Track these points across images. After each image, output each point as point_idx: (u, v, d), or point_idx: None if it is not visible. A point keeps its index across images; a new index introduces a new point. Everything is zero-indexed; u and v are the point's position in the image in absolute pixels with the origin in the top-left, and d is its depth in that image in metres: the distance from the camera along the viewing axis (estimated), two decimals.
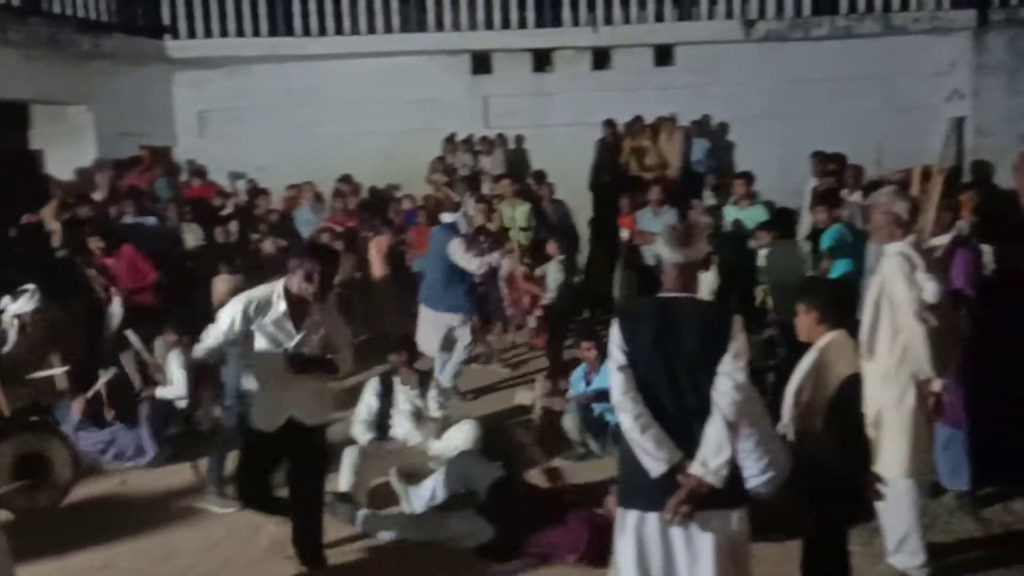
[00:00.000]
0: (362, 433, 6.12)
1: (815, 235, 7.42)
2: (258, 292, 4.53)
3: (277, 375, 4.49)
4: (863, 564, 4.57)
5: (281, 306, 4.46)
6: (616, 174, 11.86)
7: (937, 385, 4.28)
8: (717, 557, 3.23)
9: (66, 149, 12.28)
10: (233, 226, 10.26)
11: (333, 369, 4.63)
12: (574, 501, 5.26)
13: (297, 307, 4.47)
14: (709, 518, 3.24)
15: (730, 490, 3.24)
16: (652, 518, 3.28)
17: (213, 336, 4.53)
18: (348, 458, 5.62)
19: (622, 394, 3.28)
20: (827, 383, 3.65)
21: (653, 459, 3.22)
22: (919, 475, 4.38)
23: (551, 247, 8.52)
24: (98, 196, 10.97)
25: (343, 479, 5.57)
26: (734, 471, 3.26)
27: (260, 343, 4.48)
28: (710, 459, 3.19)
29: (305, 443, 4.69)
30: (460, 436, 5.94)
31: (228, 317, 4.46)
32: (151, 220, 9.91)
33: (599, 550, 4.59)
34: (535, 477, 5.95)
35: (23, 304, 6.26)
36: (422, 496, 5.46)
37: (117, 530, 5.35)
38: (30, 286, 6.41)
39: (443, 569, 4.81)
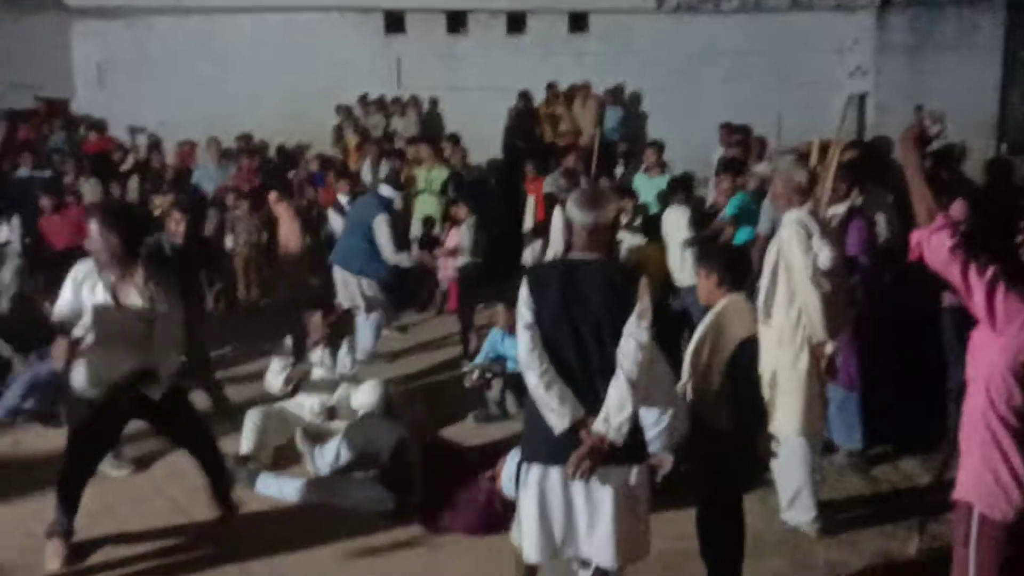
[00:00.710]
0: (277, 381, 5.98)
1: None
2: (83, 265, 4.34)
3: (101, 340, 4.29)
4: (757, 520, 4.73)
5: (100, 285, 4.28)
6: (530, 141, 11.87)
7: (830, 347, 4.44)
8: (616, 510, 3.30)
9: None
10: (133, 182, 9.93)
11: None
12: (477, 462, 5.29)
13: (115, 280, 4.30)
14: (609, 473, 3.30)
15: (630, 446, 3.30)
16: (554, 472, 3.33)
17: (58, 304, 4.34)
18: (251, 420, 5.54)
19: (528, 352, 3.31)
20: (724, 345, 3.74)
21: (556, 415, 3.26)
22: (811, 434, 4.54)
23: (460, 210, 8.49)
24: None
25: (245, 441, 5.49)
26: (635, 428, 3.32)
27: (87, 315, 4.29)
28: (612, 416, 3.24)
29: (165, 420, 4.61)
30: (365, 397, 5.91)
31: (63, 287, 4.31)
32: (46, 174, 9.51)
33: (492, 522, 4.68)
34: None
35: None
36: (326, 458, 5.42)
37: (7, 492, 5.18)
38: None
39: (344, 528, 4.78)
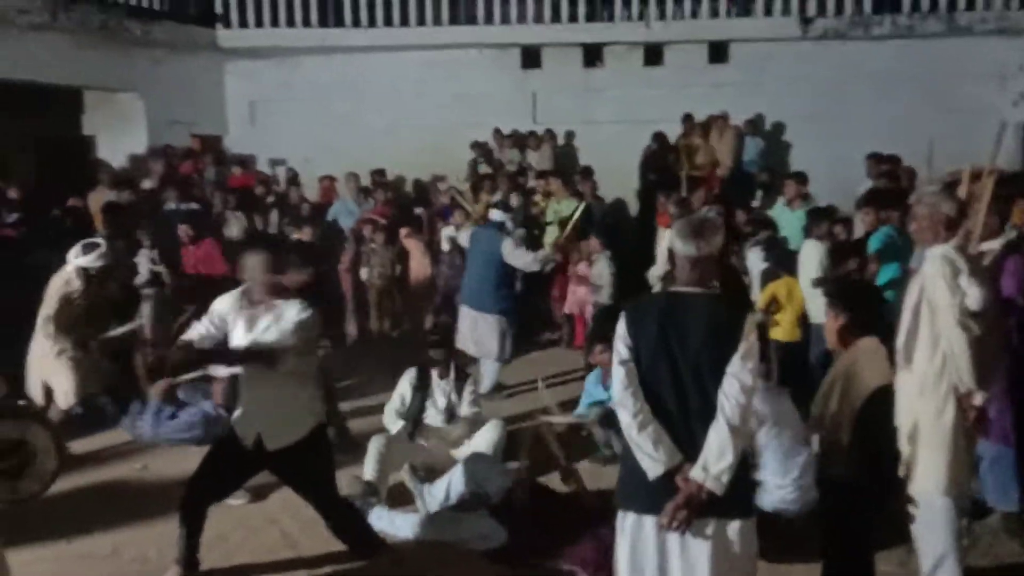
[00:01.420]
0: (393, 423, 6.04)
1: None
2: (236, 293, 4.39)
3: (249, 383, 4.40)
4: None
5: (238, 305, 4.33)
6: (663, 173, 11.57)
7: (979, 399, 3.97)
8: (713, 568, 3.06)
9: (118, 136, 12.49)
10: (273, 216, 10.26)
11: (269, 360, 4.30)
12: (594, 506, 5.06)
13: (253, 307, 4.32)
14: (707, 525, 3.07)
15: (733, 498, 3.05)
16: (648, 521, 3.13)
17: (196, 332, 4.38)
18: (374, 446, 5.53)
19: (623, 390, 3.14)
20: (856, 394, 3.40)
21: (651, 459, 3.07)
22: (957, 494, 4.08)
23: (594, 243, 8.29)
24: (149, 184, 11.08)
25: (368, 468, 5.48)
26: (739, 479, 3.07)
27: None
28: (711, 464, 3.01)
29: (284, 465, 4.54)
30: (485, 437, 5.81)
31: (212, 310, 4.36)
32: (193, 207, 9.93)
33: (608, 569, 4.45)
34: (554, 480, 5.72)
35: (92, 259, 6.22)
36: (436, 495, 5.31)
37: (127, 516, 5.30)
38: (99, 240, 6.38)
39: (453, 569, 4.64)
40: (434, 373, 6.11)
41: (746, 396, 3.03)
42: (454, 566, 4.66)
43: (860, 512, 3.41)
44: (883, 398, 3.37)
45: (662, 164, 11.86)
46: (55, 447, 3.84)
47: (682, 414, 3.09)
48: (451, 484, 5.27)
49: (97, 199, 9.81)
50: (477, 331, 7.45)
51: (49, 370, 6.23)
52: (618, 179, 12.16)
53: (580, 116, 13.20)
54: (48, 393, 6.17)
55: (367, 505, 5.19)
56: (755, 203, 10.33)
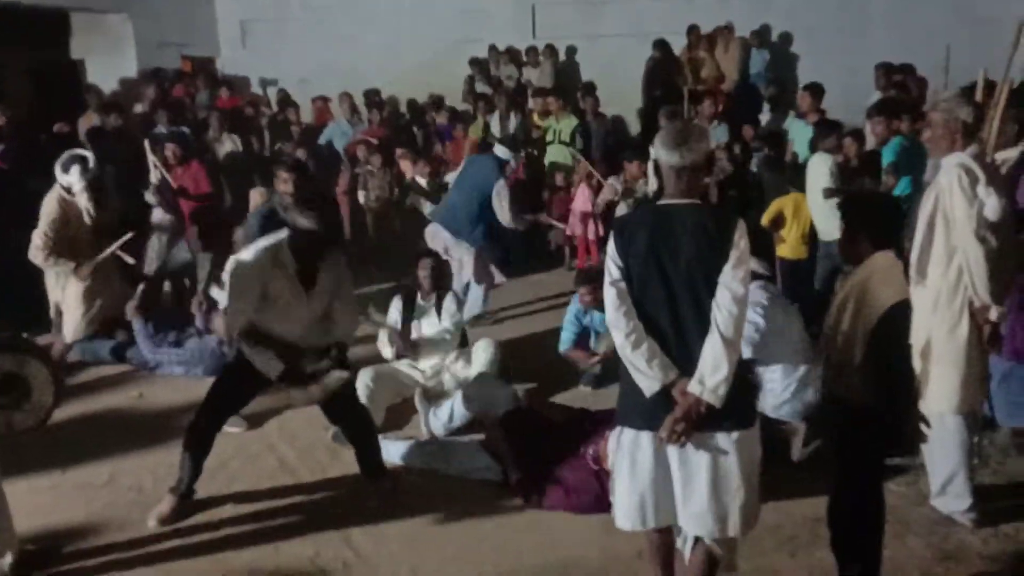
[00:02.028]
0: (386, 351, 5.92)
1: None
2: (266, 243, 4.19)
3: (277, 335, 4.24)
4: (904, 505, 4.24)
5: (291, 266, 4.17)
6: (668, 89, 11.24)
7: (994, 314, 3.82)
8: (713, 479, 3.01)
9: (106, 59, 12.13)
10: (266, 137, 10.03)
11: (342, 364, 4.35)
12: (578, 433, 4.97)
13: (305, 264, 4.19)
14: (706, 439, 3.01)
15: (731, 410, 2.97)
16: (646, 437, 3.07)
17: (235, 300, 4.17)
18: (362, 380, 5.37)
19: (615, 310, 3.04)
20: (870, 310, 3.22)
21: (646, 377, 2.99)
22: (968, 412, 3.97)
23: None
24: (141, 108, 10.82)
25: None
26: (737, 390, 2.98)
27: (267, 297, 4.19)
28: (707, 377, 2.94)
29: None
30: (478, 357, 5.70)
31: (241, 280, 4.14)
32: (183, 131, 9.68)
33: (603, 503, 4.35)
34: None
35: (76, 175, 5.85)
36: (440, 418, 5.24)
37: (123, 445, 5.22)
38: (83, 153, 6.05)
39: (448, 497, 4.57)
40: (419, 295, 5.98)
41: (738, 306, 2.94)
42: (453, 496, 4.57)
43: (873, 436, 3.28)
44: (899, 315, 3.19)
45: (666, 79, 11.51)
46: (52, 382, 3.72)
47: (676, 329, 3.01)
48: (455, 407, 5.19)
49: (87, 125, 9.59)
50: (450, 254, 7.24)
51: (59, 298, 6.09)
52: (621, 96, 11.83)
53: (582, 30, 12.80)
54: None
55: None
56: (762, 117, 10.02)
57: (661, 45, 11.70)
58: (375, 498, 4.54)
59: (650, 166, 7.09)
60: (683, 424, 2.95)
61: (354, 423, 4.67)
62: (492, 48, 12.43)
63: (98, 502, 4.59)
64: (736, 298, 2.94)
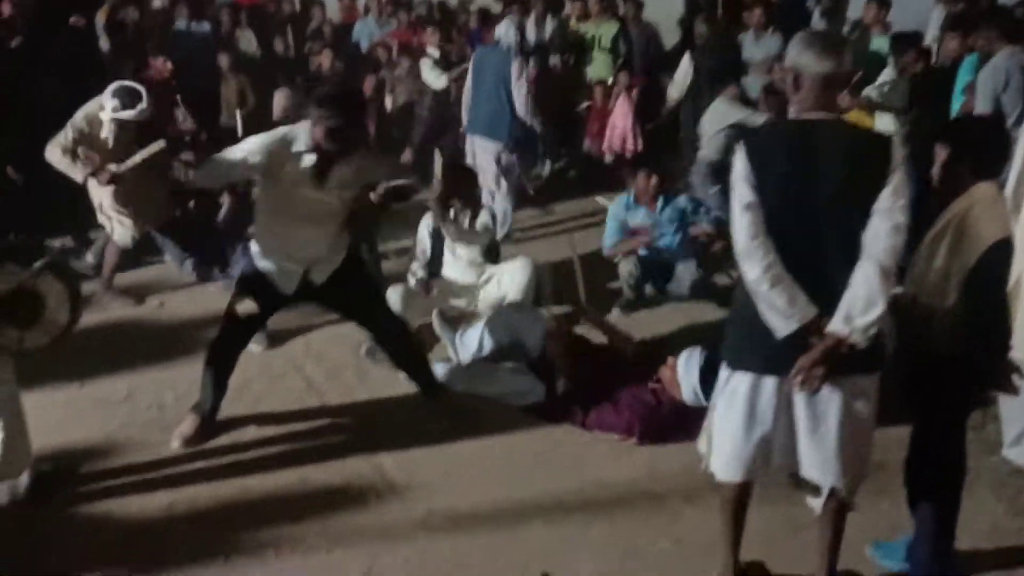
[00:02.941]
0: (419, 272, 5.62)
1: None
2: (282, 135, 3.85)
3: (292, 230, 3.95)
4: (972, 453, 3.93)
5: (306, 159, 3.80)
6: None
7: None
8: (842, 425, 2.74)
9: None
10: (289, 37, 9.56)
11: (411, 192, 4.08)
12: (627, 351, 4.73)
13: (324, 160, 3.81)
14: (840, 383, 2.70)
15: (870, 350, 2.66)
16: (770, 382, 2.76)
17: (222, 164, 3.88)
18: (391, 297, 5.06)
19: (750, 239, 2.67)
20: (968, 248, 2.86)
21: (782, 316, 2.65)
22: None
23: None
24: (158, 2, 10.31)
25: None
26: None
27: (278, 193, 3.88)
28: (857, 315, 2.59)
29: (331, 292, 4.17)
30: (514, 279, 5.35)
31: (244, 153, 3.81)
32: (205, 26, 9.23)
33: (653, 431, 4.14)
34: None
35: (133, 114, 5.40)
36: (468, 346, 4.91)
37: (145, 358, 5.00)
38: (142, 91, 5.55)
39: (486, 421, 4.33)
40: (451, 212, 5.58)
41: (899, 237, 2.61)
42: (491, 422, 4.32)
43: (960, 386, 2.97)
44: (1001, 254, 2.85)
45: None
46: (69, 299, 3.45)
47: (816, 261, 2.67)
48: (484, 335, 4.86)
49: (104, 18, 9.12)
50: (476, 161, 6.85)
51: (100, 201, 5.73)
52: (660, 2, 11.19)
53: None
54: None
55: None
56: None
57: None
58: (442, 419, 4.33)
59: (683, 71, 6.57)
60: (821, 368, 2.63)
61: (398, 339, 4.43)
62: None
63: (116, 419, 4.38)
64: (897, 228, 2.59)
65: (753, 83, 8.06)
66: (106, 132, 5.47)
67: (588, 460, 4.07)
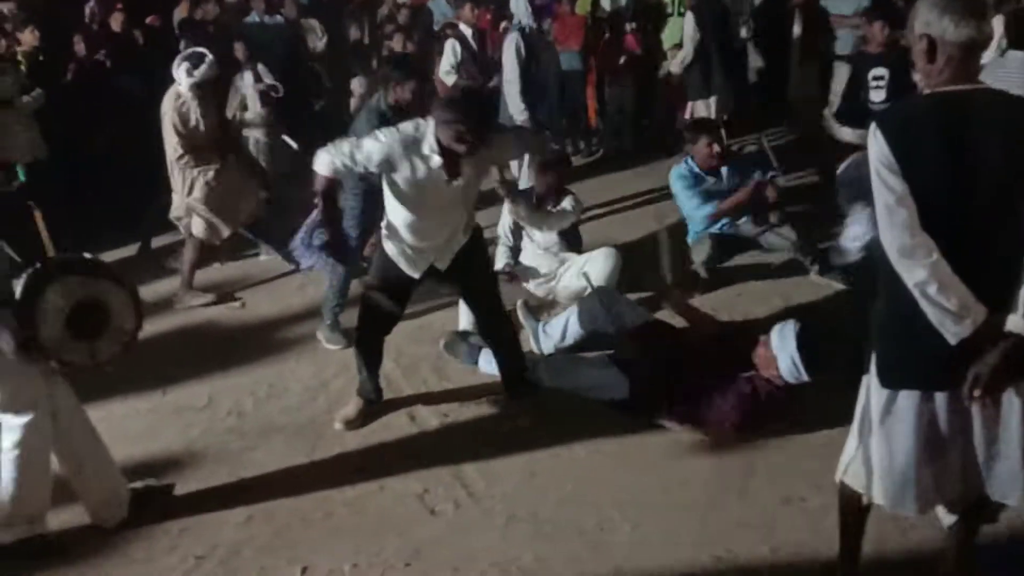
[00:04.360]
0: (503, 259, 5.47)
1: None
2: (409, 136, 3.77)
3: (421, 220, 3.93)
4: None
5: (435, 160, 3.74)
6: None
7: None
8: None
9: None
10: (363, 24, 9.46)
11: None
12: (716, 332, 4.49)
13: (452, 159, 3.77)
14: (1018, 387, 2.38)
15: None
16: (941, 399, 2.43)
17: (345, 157, 3.80)
18: None
19: (909, 238, 2.33)
20: None
21: (957, 319, 2.32)
22: None
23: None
24: None
25: (463, 316, 4.92)
26: None
27: (404, 185, 3.83)
28: None
29: (453, 273, 4.18)
30: (596, 268, 5.10)
31: (369, 151, 3.76)
32: (278, 19, 9.21)
33: (749, 423, 3.91)
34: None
35: (204, 72, 5.48)
36: (552, 336, 4.75)
37: (224, 362, 4.99)
38: (204, 51, 5.64)
39: (572, 420, 4.15)
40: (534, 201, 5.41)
41: None
42: (575, 423, 4.13)
43: None
44: None
45: None
46: (132, 305, 3.40)
47: (984, 256, 2.34)
48: (568, 324, 4.69)
49: (182, 15, 9.20)
50: None
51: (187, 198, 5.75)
52: None
53: None
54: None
55: (473, 351, 4.70)
56: None
57: None
58: (523, 417, 4.22)
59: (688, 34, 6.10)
60: (1003, 374, 2.31)
61: (497, 324, 4.36)
62: None
63: (196, 428, 4.35)
64: None
65: (844, 40, 7.62)
66: (190, 105, 5.54)
67: (676, 458, 3.86)
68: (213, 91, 5.75)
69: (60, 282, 3.23)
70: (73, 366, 3.34)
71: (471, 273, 4.21)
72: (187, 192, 5.67)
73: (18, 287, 3.18)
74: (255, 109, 7.59)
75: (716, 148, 5.53)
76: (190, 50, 5.69)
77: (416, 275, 4.09)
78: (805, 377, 3.88)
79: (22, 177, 6.65)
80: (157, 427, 4.38)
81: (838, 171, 5.25)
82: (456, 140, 3.67)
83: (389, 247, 4.05)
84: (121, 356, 3.49)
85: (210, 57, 5.56)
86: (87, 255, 3.55)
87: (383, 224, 4.11)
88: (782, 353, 3.90)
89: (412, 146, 3.76)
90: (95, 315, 3.34)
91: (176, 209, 5.84)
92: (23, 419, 3.26)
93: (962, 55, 2.33)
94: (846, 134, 5.32)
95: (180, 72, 5.48)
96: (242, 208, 5.91)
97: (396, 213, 3.96)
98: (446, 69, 7.50)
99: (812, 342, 3.90)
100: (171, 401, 4.63)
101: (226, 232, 5.88)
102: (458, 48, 7.60)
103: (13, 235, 3.73)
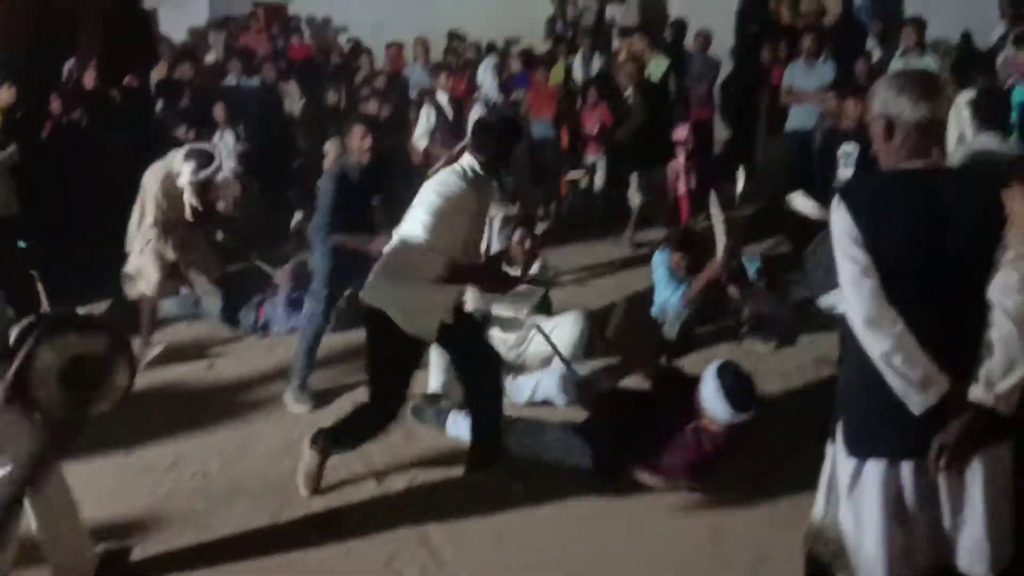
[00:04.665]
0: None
1: None
2: (478, 175, 3.91)
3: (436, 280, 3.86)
4: None
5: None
6: (765, 23, 10.42)
7: None
8: (989, 502, 2.43)
9: (178, 8, 11.80)
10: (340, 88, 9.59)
11: None
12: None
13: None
14: (980, 456, 2.41)
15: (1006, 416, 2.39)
16: (907, 468, 2.46)
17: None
18: (436, 353, 4.91)
19: (876, 310, 2.39)
20: None
21: (918, 390, 2.36)
22: None
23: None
24: (211, 58, 10.50)
25: (432, 378, 4.94)
26: None
27: (471, 228, 3.97)
28: (999, 380, 2.33)
29: (458, 336, 4.13)
30: (564, 331, 5.17)
31: (454, 202, 3.80)
32: (254, 82, 9.34)
33: (699, 473, 3.98)
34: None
35: (209, 172, 5.61)
36: (522, 389, 4.87)
37: (190, 423, 4.94)
38: (211, 149, 5.77)
39: (537, 485, 4.14)
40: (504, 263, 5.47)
41: None
42: (540, 487, 4.14)
43: None
44: None
45: (761, 13, 10.67)
46: (127, 361, 3.38)
47: (946, 326, 2.40)
48: (539, 383, 4.84)
49: (159, 76, 9.30)
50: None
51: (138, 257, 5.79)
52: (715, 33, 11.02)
53: None
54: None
55: (439, 412, 4.71)
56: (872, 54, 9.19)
57: None
58: (491, 476, 4.19)
59: None
60: (967, 443, 2.36)
61: (487, 379, 4.22)
62: None
63: (162, 488, 4.30)
64: None
65: (808, 113, 7.87)
66: (187, 194, 5.61)
67: (644, 520, 3.88)
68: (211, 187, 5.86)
69: (55, 339, 3.19)
70: (64, 423, 3.29)
71: (464, 333, 4.17)
72: (140, 250, 5.73)
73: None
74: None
75: (683, 263, 5.68)
76: (198, 146, 5.80)
77: (428, 337, 3.98)
78: (738, 416, 3.87)
79: None
80: (121, 487, 4.31)
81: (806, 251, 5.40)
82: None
83: (402, 318, 3.86)
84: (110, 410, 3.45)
85: (217, 160, 5.68)
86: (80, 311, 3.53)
87: (402, 294, 3.89)
88: (708, 398, 3.91)
89: (485, 184, 3.99)
90: (93, 371, 3.31)
91: (130, 266, 5.86)
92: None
93: (918, 135, 2.42)
94: (808, 208, 5.45)
95: (185, 167, 5.56)
96: (210, 263, 5.98)
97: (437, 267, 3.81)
98: (420, 134, 7.63)
99: (731, 378, 3.90)
100: (135, 462, 4.57)
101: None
102: (432, 115, 7.73)
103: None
